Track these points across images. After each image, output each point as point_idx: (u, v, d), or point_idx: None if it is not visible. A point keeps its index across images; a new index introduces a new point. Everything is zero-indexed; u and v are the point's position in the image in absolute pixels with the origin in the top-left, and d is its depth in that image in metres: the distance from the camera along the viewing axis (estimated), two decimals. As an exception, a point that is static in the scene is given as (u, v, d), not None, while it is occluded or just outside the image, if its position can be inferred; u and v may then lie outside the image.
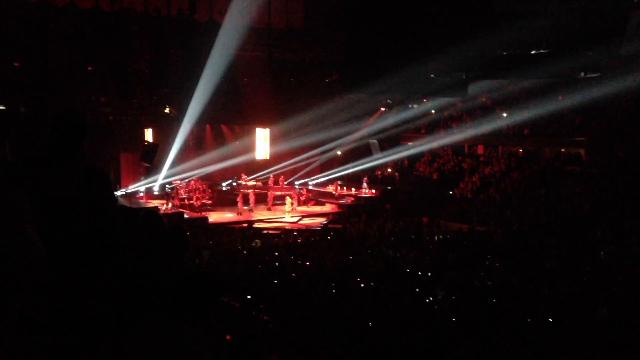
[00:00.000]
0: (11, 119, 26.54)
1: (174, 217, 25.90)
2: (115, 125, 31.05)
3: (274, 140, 34.37)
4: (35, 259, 2.48)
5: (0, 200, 2.48)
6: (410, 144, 37.46)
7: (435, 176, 33.77)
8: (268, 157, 34.23)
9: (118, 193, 28.95)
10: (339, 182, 34.25)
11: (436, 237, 22.29)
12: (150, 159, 25.79)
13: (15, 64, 27.39)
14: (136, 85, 28.82)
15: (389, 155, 34.93)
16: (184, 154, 32.63)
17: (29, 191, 2.93)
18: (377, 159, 33.87)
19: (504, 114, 32.84)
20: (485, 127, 33.05)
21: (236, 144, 35.32)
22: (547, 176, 28.81)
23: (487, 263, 17.31)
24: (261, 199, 31.28)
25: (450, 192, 31.19)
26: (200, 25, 27.10)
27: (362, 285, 14.17)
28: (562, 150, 30.31)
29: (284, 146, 34.33)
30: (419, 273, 15.71)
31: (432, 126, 36.59)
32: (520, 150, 32.48)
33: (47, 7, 24.80)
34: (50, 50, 26.06)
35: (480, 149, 34.52)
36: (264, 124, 33.84)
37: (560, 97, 30.46)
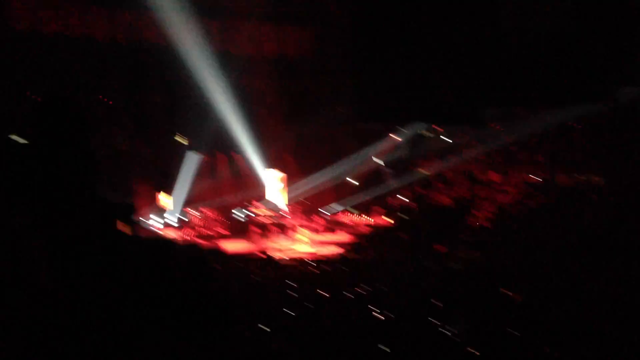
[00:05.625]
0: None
1: (190, 247, 25.82)
2: (130, 155, 31.28)
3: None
4: (30, 264, 2.47)
5: None
6: (422, 170, 37.42)
7: (450, 204, 33.57)
8: (287, 202, 33.86)
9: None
10: (354, 211, 34.06)
11: (451, 266, 22.08)
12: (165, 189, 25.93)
13: (27, 94, 27.78)
14: (151, 116, 29.14)
15: (402, 182, 34.85)
16: (199, 184, 32.75)
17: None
18: (391, 186, 33.74)
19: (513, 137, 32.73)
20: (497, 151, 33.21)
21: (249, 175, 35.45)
22: (563, 203, 28.56)
23: (503, 292, 17.10)
24: (278, 228, 31.08)
25: (466, 220, 30.96)
26: (212, 56, 27.42)
27: (379, 316, 14.04)
28: (578, 176, 30.05)
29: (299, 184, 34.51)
30: (435, 302, 15.56)
31: (445, 152, 36.47)
32: (535, 177, 32.24)
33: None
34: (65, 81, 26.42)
35: (494, 177, 34.29)
36: (278, 164, 33.95)
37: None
